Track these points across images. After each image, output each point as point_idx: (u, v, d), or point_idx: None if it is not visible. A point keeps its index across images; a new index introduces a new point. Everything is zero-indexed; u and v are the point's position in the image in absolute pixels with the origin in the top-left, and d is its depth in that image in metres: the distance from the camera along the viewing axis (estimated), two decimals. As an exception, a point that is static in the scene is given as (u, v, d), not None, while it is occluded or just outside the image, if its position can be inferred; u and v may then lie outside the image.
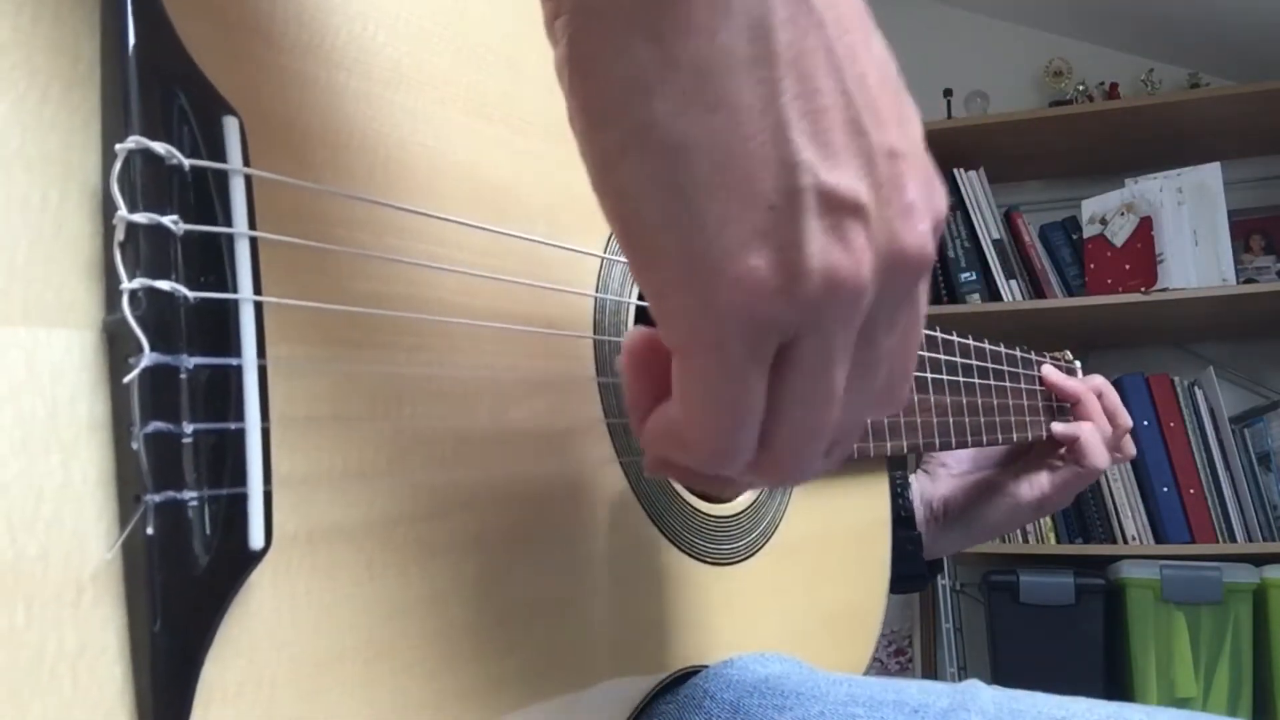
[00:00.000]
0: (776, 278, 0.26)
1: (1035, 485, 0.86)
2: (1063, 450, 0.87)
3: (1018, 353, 0.86)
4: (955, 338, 0.77)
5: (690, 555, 0.52)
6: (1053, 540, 2.28)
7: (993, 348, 0.82)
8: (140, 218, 0.28)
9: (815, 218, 0.26)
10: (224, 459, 0.29)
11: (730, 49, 0.25)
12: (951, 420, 0.74)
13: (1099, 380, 0.90)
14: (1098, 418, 0.87)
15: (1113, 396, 0.90)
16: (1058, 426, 0.87)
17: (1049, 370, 0.89)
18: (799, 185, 0.26)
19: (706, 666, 0.52)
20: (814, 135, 0.26)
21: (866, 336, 0.29)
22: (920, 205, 0.28)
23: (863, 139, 0.27)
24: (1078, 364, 0.95)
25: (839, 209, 0.26)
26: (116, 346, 0.28)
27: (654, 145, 0.26)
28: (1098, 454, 0.85)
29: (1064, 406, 0.90)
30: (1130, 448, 0.91)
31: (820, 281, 0.26)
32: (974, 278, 2.38)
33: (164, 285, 0.28)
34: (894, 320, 0.30)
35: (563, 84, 0.28)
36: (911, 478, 0.88)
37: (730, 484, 0.34)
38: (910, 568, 0.83)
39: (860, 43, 0.27)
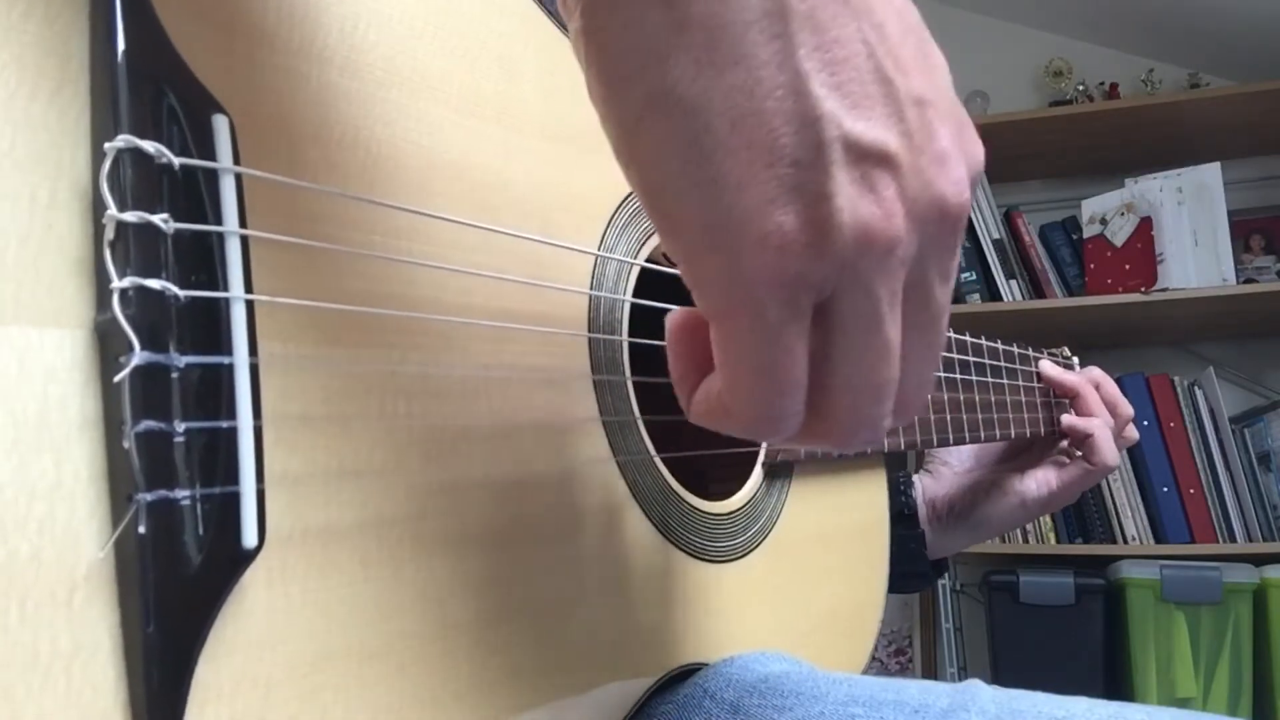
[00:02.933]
0: (804, 234, 0.26)
1: (1042, 482, 0.85)
2: (1065, 443, 0.87)
3: (1015, 349, 0.86)
4: (952, 334, 0.77)
5: (688, 553, 0.52)
6: (1053, 540, 2.27)
7: (990, 344, 0.82)
8: (130, 216, 0.28)
9: (842, 169, 0.26)
10: (216, 457, 0.29)
11: (742, 6, 0.25)
12: (949, 416, 0.74)
13: (1097, 372, 0.90)
14: (1098, 409, 0.87)
15: (1111, 387, 0.89)
16: (1068, 419, 0.86)
17: (1046, 365, 0.89)
18: (824, 138, 0.25)
19: (705, 665, 0.52)
20: (836, 86, 0.26)
21: (921, 289, 0.29)
22: (954, 152, 0.28)
23: (888, 87, 0.26)
24: (1075, 359, 0.94)
25: (867, 159, 0.26)
26: (107, 345, 0.28)
27: (672, 109, 0.26)
28: (1109, 452, 0.85)
29: (1062, 401, 0.90)
30: (1133, 433, 0.91)
31: (851, 234, 0.26)
32: (974, 278, 2.38)
33: (154, 284, 0.28)
34: (946, 268, 0.29)
35: (579, 57, 0.28)
36: (915, 477, 0.88)
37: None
38: (914, 566, 0.82)
39: None
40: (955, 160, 0.28)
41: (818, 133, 0.25)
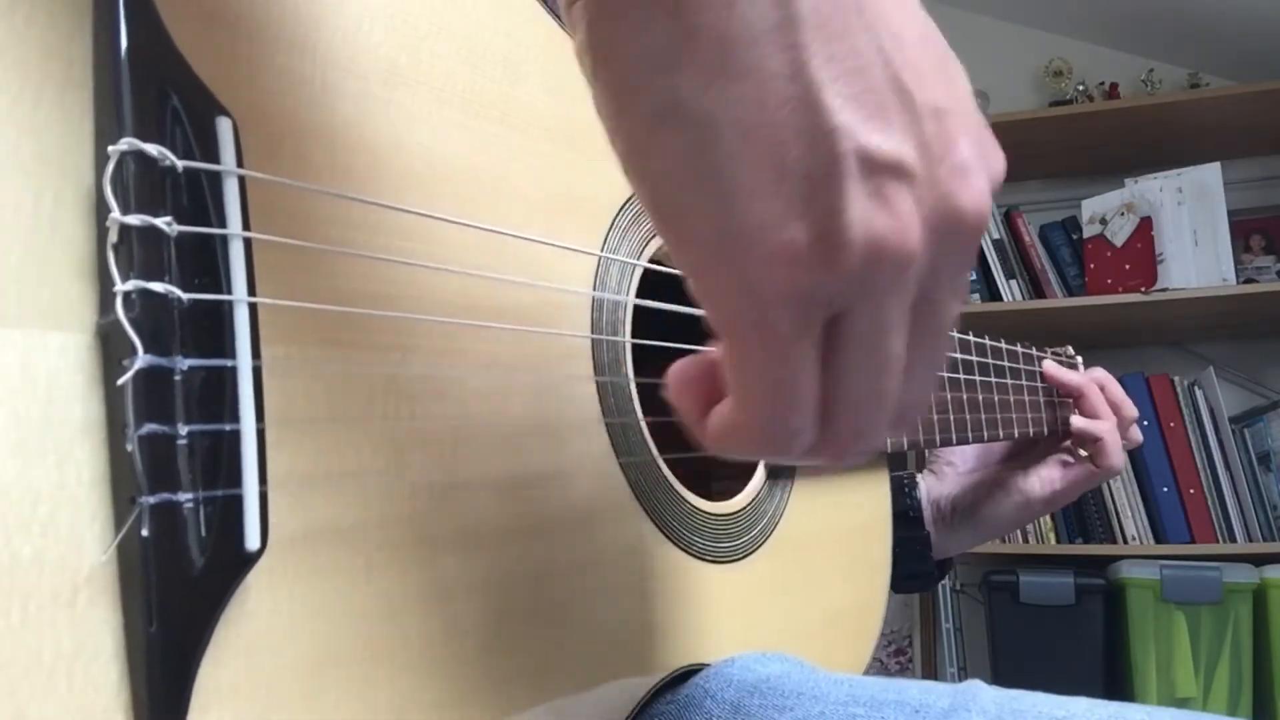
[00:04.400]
0: (816, 248, 0.25)
1: (1046, 482, 0.85)
2: (1068, 442, 0.87)
3: (1018, 348, 0.86)
4: (955, 334, 0.77)
5: (690, 553, 0.52)
6: (1053, 540, 2.27)
7: (993, 344, 0.82)
8: (133, 219, 0.28)
9: (856, 182, 0.25)
10: (219, 460, 0.29)
11: (751, 17, 0.24)
12: (953, 416, 0.74)
13: (1100, 372, 0.90)
14: (1102, 410, 0.87)
15: (1115, 388, 0.89)
16: (1077, 421, 0.86)
17: (1050, 365, 0.89)
18: (837, 151, 0.25)
19: (707, 665, 0.52)
20: (852, 97, 0.25)
21: (930, 301, 0.28)
22: (974, 163, 0.27)
23: (904, 97, 0.26)
24: (1079, 359, 0.94)
25: (881, 171, 0.25)
26: (110, 348, 0.28)
27: (681, 122, 0.25)
28: (1117, 455, 0.85)
29: (1066, 401, 0.90)
30: (1137, 435, 0.91)
31: (863, 249, 0.25)
32: (974, 278, 2.38)
33: (158, 287, 0.28)
34: (956, 283, 0.29)
35: (585, 70, 0.27)
36: (919, 477, 0.88)
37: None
38: (918, 566, 0.82)
39: (892, 1, 0.26)
40: (975, 171, 0.27)
41: (831, 145, 0.25)
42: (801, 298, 0.26)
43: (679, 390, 0.32)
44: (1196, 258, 2.19)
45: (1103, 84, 2.47)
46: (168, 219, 0.29)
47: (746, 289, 0.26)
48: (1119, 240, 2.30)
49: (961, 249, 0.28)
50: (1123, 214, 2.29)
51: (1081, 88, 2.46)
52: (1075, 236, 2.44)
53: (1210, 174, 2.22)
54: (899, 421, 0.30)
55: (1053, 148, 2.43)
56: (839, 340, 0.27)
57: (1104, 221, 2.33)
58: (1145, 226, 2.26)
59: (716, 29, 0.25)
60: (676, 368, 0.32)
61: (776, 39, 0.25)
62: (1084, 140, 2.38)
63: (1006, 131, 2.32)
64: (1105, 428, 0.85)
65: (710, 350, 0.30)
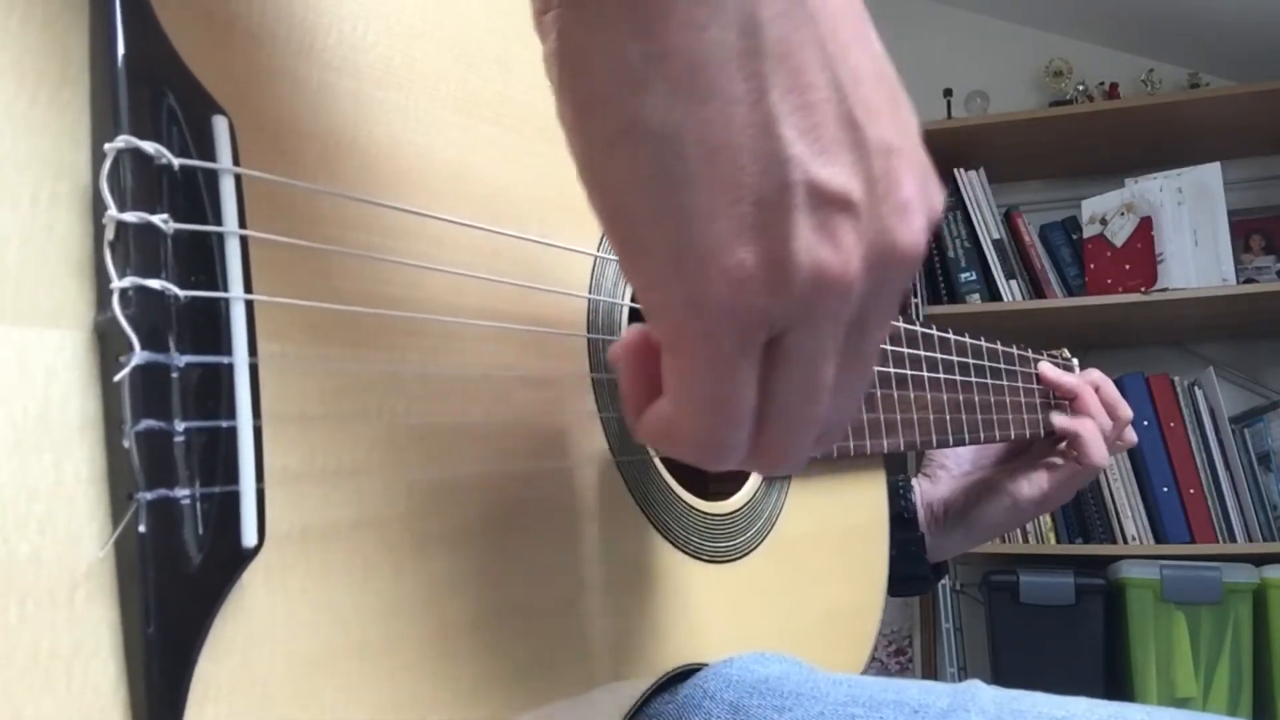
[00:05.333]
0: (763, 271, 0.26)
1: (1035, 483, 0.86)
2: (1062, 445, 0.87)
3: (1014, 350, 0.86)
4: (951, 335, 0.77)
5: (687, 553, 0.52)
6: (1053, 540, 2.27)
7: (989, 345, 0.82)
8: (130, 217, 0.28)
9: (804, 213, 0.26)
10: (216, 457, 0.29)
11: (720, 43, 0.25)
12: (949, 417, 0.74)
13: (1096, 374, 0.90)
14: (1097, 412, 0.87)
15: (1110, 389, 0.89)
16: (1058, 419, 0.87)
17: (1045, 366, 0.89)
18: (788, 180, 0.26)
19: (705, 665, 0.52)
20: (805, 130, 0.26)
21: (859, 329, 0.29)
22: (915, 202, 0.28)
23: (856, 134, 0.27)
24: (1075, 361, 0.95)
25: (829, 205, 0.26)
26: (107, 345, 0.28)
27: (644, 137, 0.26)
28: (1098, 451, 0.85)
29: (1062, 403, 0.90)
30: (1131, 436, 0.91)
31: (807, 277, 0.26)
32: (974, 278, 2.38)
33: (154, 284, 0.28)
34: (884, 314, 0.30)
35: (551, 78, 0.28)
36: (914, 480, 0.88)
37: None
38: (914, 569, 0.83)
39: (853, 39, 0.27)
40: (916, 210, 0.28)
41: (784, 174, 0.26)
42: (746, 318, 0.27)
43: (627, 362, 0.33)
44: (1196, 258, 2.19)
45: (1103, 84, 2.47)
46: (164, 216, 0.29)
47: (695, 305, 0.27)
48: (1119, 240, 2.30)
49: (895, 282, 0.29)
50: (1123, 214, 2.29)
51: (1081, 88, 2.46)
52: (1075, 236, 2.44)
53: (1210, 174, 2.22)
54: (823, 439, 0.32)
55: (1053, 148, 2.43)
56: (777, 360, 0.29)
57: (1104, 221, 2.33)
58: (1145, 226, 2.26)
59: (687, 51, 0.25)
60: (627, 338, 0.33)
61: (743, 65, 0.25)
62: (1084, 140, 2.38)
63: (1006, 131, 2.33)
64: (1085, 424, 0.85)
65: None
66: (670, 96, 0.26)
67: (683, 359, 0.29)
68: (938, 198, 0.30)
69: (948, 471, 0.89)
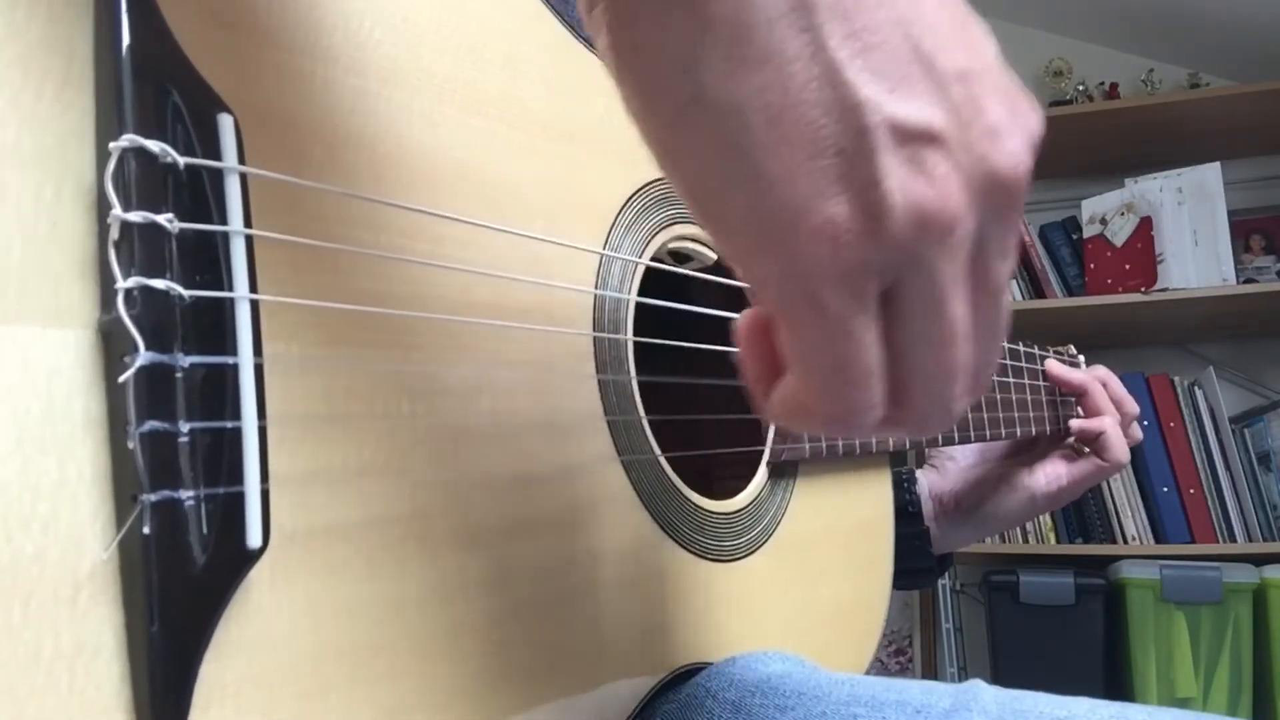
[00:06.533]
0: (858, 221, 0.25)
1: (1052, 478, 0.85)
2: (1070, 440, 0.87)
3: (1020, 347, 0.86)
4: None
5: (692, 552, 0.52)
6: (1053, 540, 2.27)
7: (996, 343, 0.81)
8: (135, 216, 0.28)
9: (889, 153, 0.25)
10: (221, 457, 0.29)
11: (765, 4, 0.25)
12: (955, 416, 0.74)
13: (1103, 370, 0.90)
14: (1106, 407, 0.87)
15: (1117, 385, 0.89)
16: (1078, 423, 0.86)
17: (1052, 363, 0.89)
18: (866, 124, 0.25)
19: (708, 664, 0.52)
20: (873, 71, 0.25)
21: (982, 264, 0.28)
22: (1005, 123, 0.27)
23: (927, 65, 0.26)
24: (1081, 358, 0.94)
25: (914, 139, 0.25)
26: (112, 345, 0.28)
27: (707, 111, 0.26)
28: (1121, 448, 0.85)
29: (1068, 399, 0.90)
30: (1137, 432, 0.91)
31: (906, 217, 0.25)
32: (974, 278, 2.37)
33: (159, 284, 0.28)
34: (1003, 245, 0.28)
35: (611, 73, 0.27)
36: (918, 473, 0.88)
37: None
38: (918, 562, 0.82)
39: None
40: (1008, 132, 0.27)
41: (859, 119, 0.25)
42: (850, 274, 0.26)
43: (746, 345, 0.31)
44: (1196, 258, 2.19)
45: (1103, 84, 2.47)
46: (169, 216, 0.28)
47: (794, 272, 0.26)
48: (1119, 240, 2.30)
49: (1004, 210, 0.27)
50: (1123, 214, 2.29)
51: (1081, 88, 2.46)
52: (1075, 236, 2.44)
53: (1210, 174, 2.22)
54: (972, 390, 0.30)
55: (1053, 148, 2.39)
56: (897, 313, 0.27)
57: (1104, 221, 2.33)
58: (1145, 226, 2.26)
59: (732, 17, 0.25)
60: (742, 321, 0.31)
61: (793, 21, 0.25)
62: (1084, 140, 2.38)
63: (1006, 131, 2.32)
64: (1106, 422, 0.85)
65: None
66: (724, 65, 0.25)
67: (795, 327, 0.28)
68: (1032, 116, 0.28)
69: (955, 463, 0.89)
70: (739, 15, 0.25)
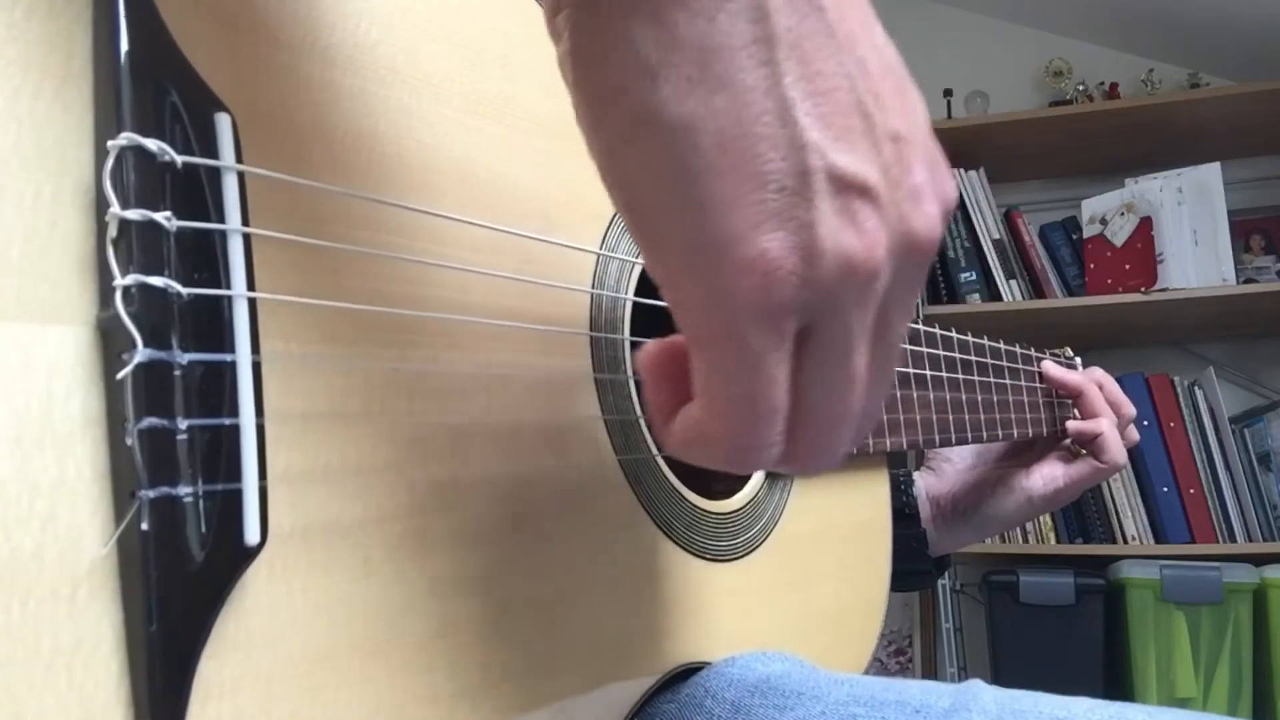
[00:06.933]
0: (790, 259, 0.26)
1: (1049, 479, 0.85)
2: (1067, 441, 0.87)
3: (1017, 349, 0.86)
4: (954, 334, 0.77)
5: (690, 552, 0.52)
6: (1053, 540, 2.27)
7: (992, 344, 0.82)
8: (133, 214, 0.28)
9: (826, 198, 0.26)
10: (219, 455, 0.29)
11: (730, 31, 0.25)
12: (951, 417, 0.74)
13: (1099, 372, 0.91)
14: (1103, 409, 0.87)
15: (1114, 387, 0.90)
16: (1074, 425, 0.87)
17: (1049, 365, 0.89)
18: (810, 165, 0.26)
19: (707, 664, 0.52)
20: (820, 117, 0.26)
21: (883, 319, 0.29)
22: (927, 189, 0.28)
23: (868, 121, 0.27)
24: (1077, 359, 0.95)
25: (849, 190, 0.26)
26: (110, 343, 0.28)
27: (660, 128, 0.26)
28: (1117, 449, 0.85)
29: (1065, 401, 0.90)
30: (1134, 434, 0.91)
31: (834, 263, 0.26)
32: (974, 278, 2.38)
33: (157, 281, 0.28)
34: (906, 303, 0.29)
35: (566, 79, 0.28)
36: (916, 475, 0.88)
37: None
38: (915, 564, 0.82)
39: (860, 28, 0.27)
40: (929, 197, 0.28)
41: (804, 160, 0.26)
42: (774, 310, 0.26)
43: (651, 372, 0.32)
44: (1196, 258, 2.19)
45: (1103, 84, 2.47)
46: (167, 214, 0.29)
47: (720, 300, 0.27)
48: (1119, 240, 2.30)
49: (912, 270, 0.29)
50: (1123, 214, 2.30)
51: (1081, 88, 2.46)
52: (1075, 236, 2.44)
53: (1210, 174, 2.22)
54: (858, 433, 0.31)
55: (1053, 148, 2.43)
56: (806, 355, 0.28)
57: (1104, 221, 2.33)
58: (1145, 226, 2.26)
59: (698, 40, 0.25)
60: (650, 348, 0.32)
61: (754, 53, 0.25)
62: (1084, 140, 2.38)
63: (1006, 131, 2.33)
64: (1103, 423, 0.85)
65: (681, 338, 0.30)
66: (683, 85, 0.25)
67: (712, 357, 0.28)
68: (949, 186, 0.29)
69: (952, 465, 0.89)
70: (704, 39, 0.25)
